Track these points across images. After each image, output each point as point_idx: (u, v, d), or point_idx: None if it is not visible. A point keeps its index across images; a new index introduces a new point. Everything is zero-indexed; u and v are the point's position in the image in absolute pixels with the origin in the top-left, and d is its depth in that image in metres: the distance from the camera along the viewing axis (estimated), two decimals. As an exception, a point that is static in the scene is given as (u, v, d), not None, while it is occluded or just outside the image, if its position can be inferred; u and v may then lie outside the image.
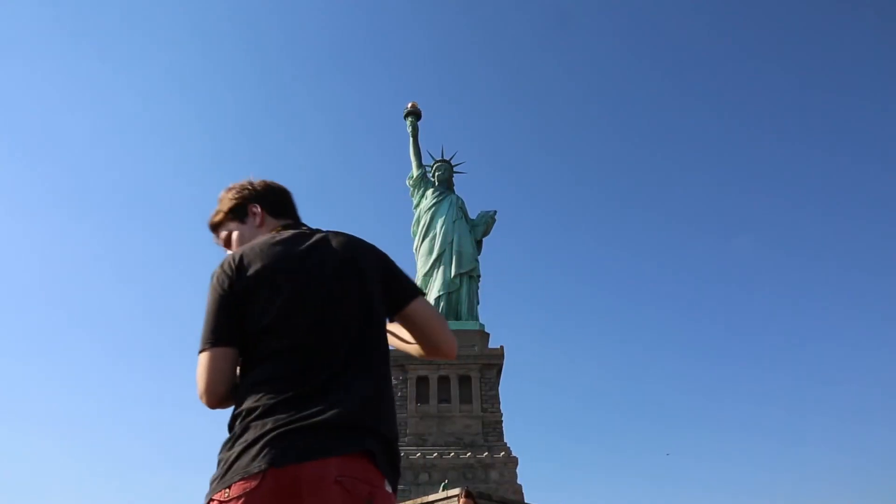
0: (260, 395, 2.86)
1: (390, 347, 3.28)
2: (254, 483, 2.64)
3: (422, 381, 49.96)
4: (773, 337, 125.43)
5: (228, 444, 2.83)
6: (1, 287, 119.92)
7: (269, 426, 2.76)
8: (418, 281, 55.02)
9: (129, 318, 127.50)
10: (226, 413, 2.99)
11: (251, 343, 3.01)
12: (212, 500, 2.71)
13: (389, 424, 2.97)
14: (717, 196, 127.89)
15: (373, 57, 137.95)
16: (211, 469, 2.84)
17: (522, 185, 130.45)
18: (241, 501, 2.63)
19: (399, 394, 49.83)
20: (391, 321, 3.32)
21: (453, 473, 46.12)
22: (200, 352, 3.03)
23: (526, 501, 39.28)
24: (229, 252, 3.33)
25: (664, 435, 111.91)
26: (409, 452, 47.17)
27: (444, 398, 49.44)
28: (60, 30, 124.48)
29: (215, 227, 3.63)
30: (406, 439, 48.29)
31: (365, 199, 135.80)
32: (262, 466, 2.67)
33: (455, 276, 53.64)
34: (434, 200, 56.41)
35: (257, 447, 2.72)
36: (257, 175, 3.67)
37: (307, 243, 3.25)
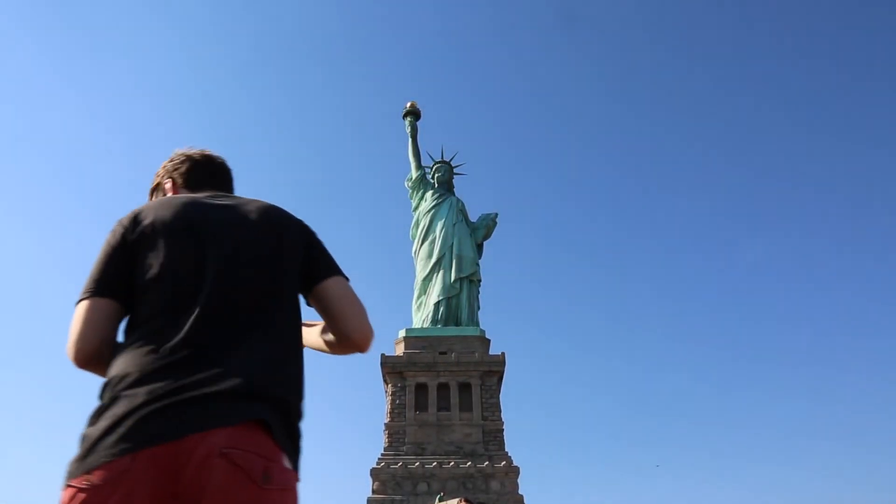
0: (137, 358, 2.58)
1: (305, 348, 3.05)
2: (121, 467, 2.33)
3: (420, 389, 49.61)
4: (778, 339, 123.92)
5: (93, 418, 2.50)
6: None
7: (141, 398, 2.45)
8: (417, 285, 54.77)
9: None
10: None
11: (137, 299, 2.75)
12: (69, 485, 2.38)
13: (289, 392, 2.69)
14: (725, 196, 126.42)
15: (371, 55, 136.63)
16: None
17: (525, 186, 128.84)
18: (105, 490, 2.31)
19: (397, 402, 49.59)
20: (307, 303, 3.12)
21: (452, 483, 45.91)
22: (77, 303, 2.78)
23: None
24: None
25: (671, 444, 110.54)
26: (408, 462, 46.95)
27: (444, 406, 49.13)
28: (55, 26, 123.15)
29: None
30: (404, 448, 48.09)
31: (363, 201, 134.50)
32: (131, 446, 2.36)
33: (455, 281, 53.31)
34: (433, 203, 56.02)
35: (127, 423, 2.41)
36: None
37: (220, 202, 3.05)
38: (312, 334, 3.23)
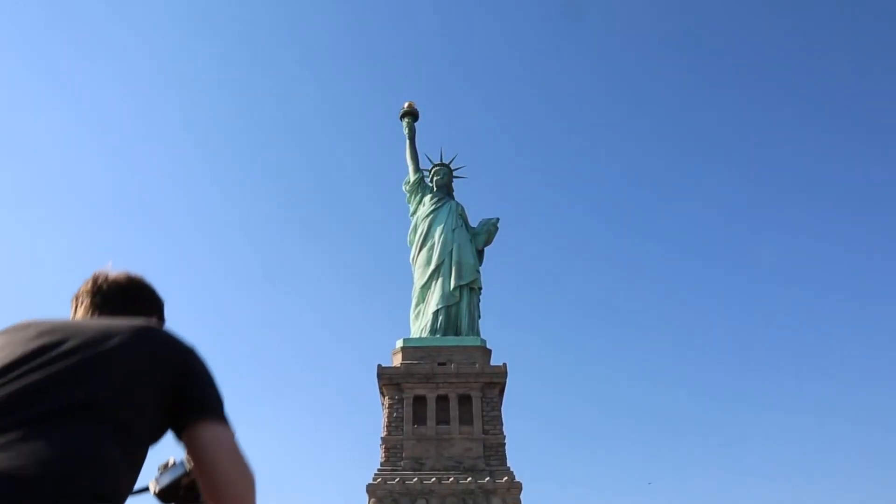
0: None
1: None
2: None
3: (419, 402, 49.31)
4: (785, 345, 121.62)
5: None
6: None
7: None
8: (415, 293, 54.40)
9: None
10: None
11: None
12: None
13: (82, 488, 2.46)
14: (739, 201, 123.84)
15: (368, 53, 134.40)
16: None
17: (528, 190, 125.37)
18: None
19: (394, 415, 49.43)
20: (179, 440, 2.89)
21: (452, 500, 45.86)
22: None
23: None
24: None
25: (678, 457, 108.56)
26: (406, 477, 46.73)
27: (443, 419, 48.88)
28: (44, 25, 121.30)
29: None
30: (402, 463, 47.90)
31: (358, 205, 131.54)
32: None
33: (454, 289, 52.84)
34: (432, 207, 55.57)
35: None
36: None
37: (83, 321, 3.14)
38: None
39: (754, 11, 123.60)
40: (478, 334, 52.86)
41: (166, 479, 2.92)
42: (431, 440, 47.90)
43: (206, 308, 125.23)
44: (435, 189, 56.70)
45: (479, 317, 53.96)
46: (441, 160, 58.12)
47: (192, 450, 2.78)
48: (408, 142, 58.17)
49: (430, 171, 57.70)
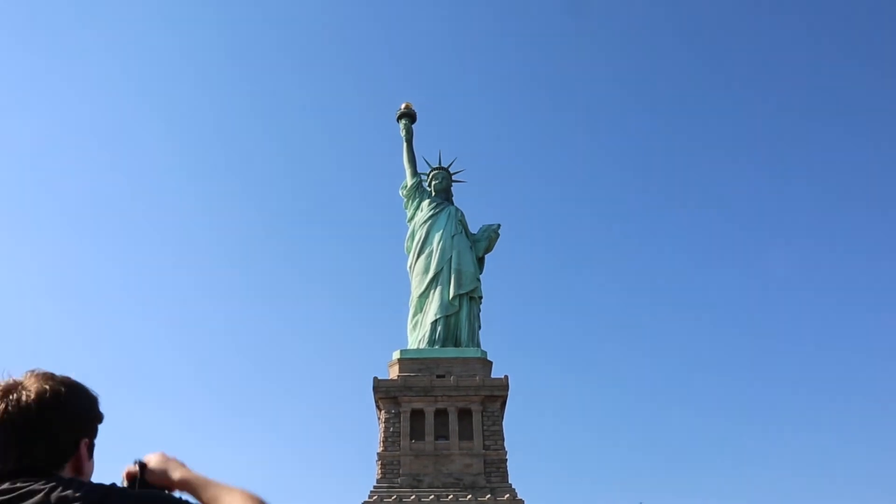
0: None
1: None
2: None
3: (417, 416, 48.71)
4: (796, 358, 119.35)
5: None
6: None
7: None
8: (412, 303, 53.83)
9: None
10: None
11: None
12: None
13: None
14: (747, 205, 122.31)
15: (361, 52, 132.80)
16: None
17: (530, 195, 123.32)
18: None
19: (391, 429, 48.83)
20: None
21: None
22: None
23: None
24: None
25: (683, 471, 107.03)
26: (403, 495, 46.11)
27: (442, 434, 48.45)
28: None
29: None
30: (399, 480, 47.32)
31: (353, 211, 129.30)
32: None
33: (454, 298, 52.33)
34: (430, 213, 55.08)
35: None
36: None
37: None
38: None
39: (768, 7, 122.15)
40: (478, 345, 52.49)
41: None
42: (430, 456, 47.51)
43: (197, 322, 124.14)
44: (433, 194, 56.37)
45: (480, 327, 53.56)
46: (440, 163, 57.89)
47: None
48: (405, 144, 57.84)
49: (428, 175, 57.42)
